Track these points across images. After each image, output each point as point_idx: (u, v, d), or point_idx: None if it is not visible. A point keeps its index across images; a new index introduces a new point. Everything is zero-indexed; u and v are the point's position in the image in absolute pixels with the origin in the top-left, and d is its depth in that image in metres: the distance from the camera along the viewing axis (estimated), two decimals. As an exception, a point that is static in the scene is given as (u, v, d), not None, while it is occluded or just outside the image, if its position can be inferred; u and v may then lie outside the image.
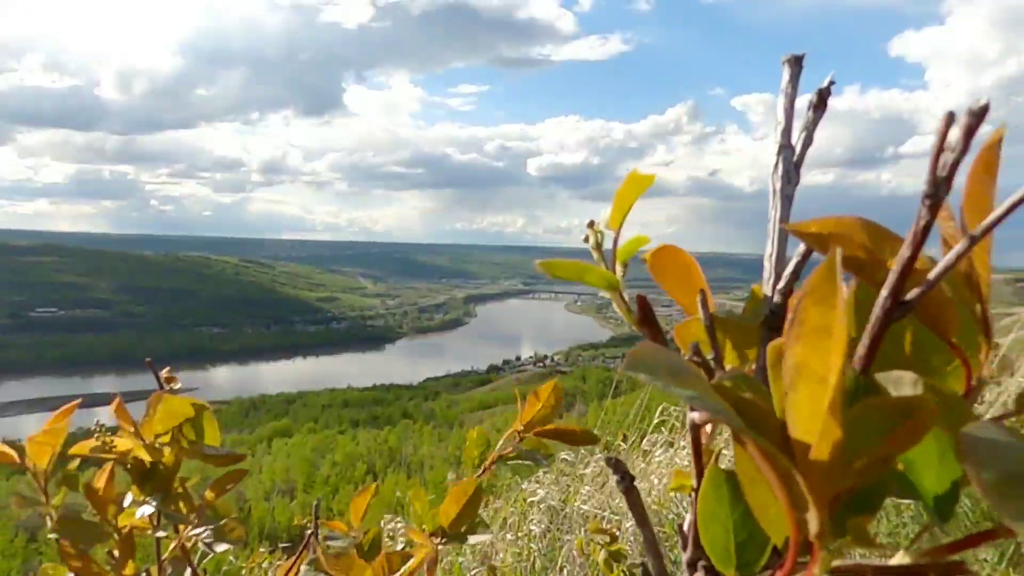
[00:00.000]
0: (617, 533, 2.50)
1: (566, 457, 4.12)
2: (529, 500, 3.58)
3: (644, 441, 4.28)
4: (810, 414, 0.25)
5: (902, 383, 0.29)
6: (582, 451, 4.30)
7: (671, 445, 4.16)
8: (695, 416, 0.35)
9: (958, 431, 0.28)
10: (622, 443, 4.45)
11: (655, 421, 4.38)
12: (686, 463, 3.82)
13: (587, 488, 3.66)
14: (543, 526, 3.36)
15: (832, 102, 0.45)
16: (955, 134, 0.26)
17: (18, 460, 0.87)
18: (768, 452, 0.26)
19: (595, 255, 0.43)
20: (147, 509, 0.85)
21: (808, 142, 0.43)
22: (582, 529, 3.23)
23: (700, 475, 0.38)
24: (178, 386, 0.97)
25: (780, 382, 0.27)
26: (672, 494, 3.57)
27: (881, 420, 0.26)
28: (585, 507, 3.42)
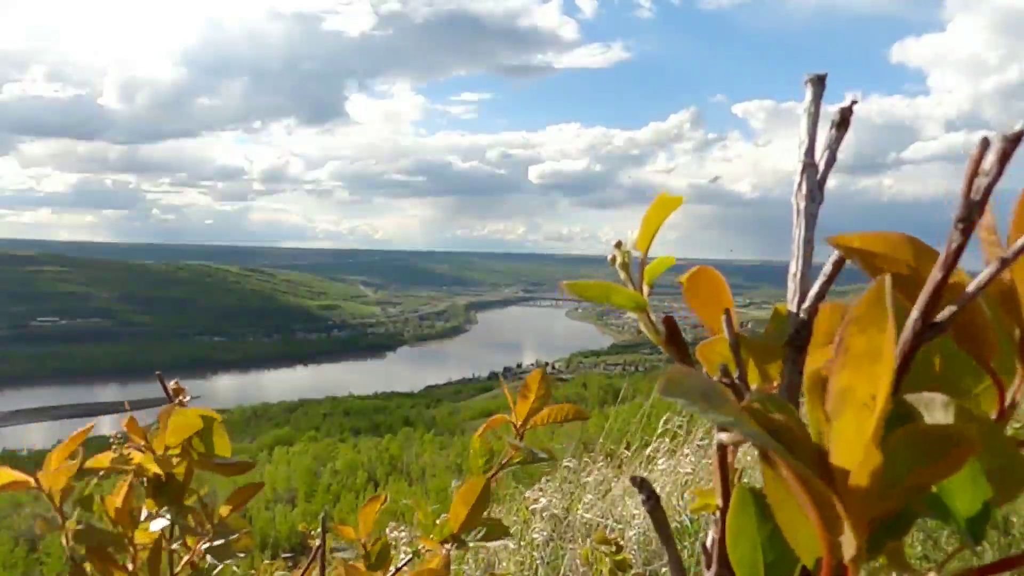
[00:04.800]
0: (621, 542, 2.48)
1: (568, 465, 4.12)
2: (531, 508, 3.56)
3: (647, 449, 4.28)
4: (855, 440, 0.25)
5: (934, 406, 0.29)
6: (584, 459, 4.30)
7: (673, 453, 4.16)
8: (723, 437, 0.35)
9: (993, 455, 0.28)
10: (625, 451, 4.44)
11: (659, 429, 4.37)
12: (688, 471, 3.82)
13: (590, 496, 3.65)
14: (546, 534, 3.34)
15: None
16: (990, 158, 0.26)
17: (35, 485, 0.87)
18: (804, 476, 0.26)
19: (622, 275, 0.43)
20: (161, 522, 0.85)
21: (831, 161, 0.43)
22: (584, 538, 3.22)
23: (726, 494, 0.38)
24: (187, 399, 0.97)
25: (817, 406, 0.27)
26: (674, 502, 3.56)
27: (922, 448, 0.26)
28: (588, 515, 3.41)
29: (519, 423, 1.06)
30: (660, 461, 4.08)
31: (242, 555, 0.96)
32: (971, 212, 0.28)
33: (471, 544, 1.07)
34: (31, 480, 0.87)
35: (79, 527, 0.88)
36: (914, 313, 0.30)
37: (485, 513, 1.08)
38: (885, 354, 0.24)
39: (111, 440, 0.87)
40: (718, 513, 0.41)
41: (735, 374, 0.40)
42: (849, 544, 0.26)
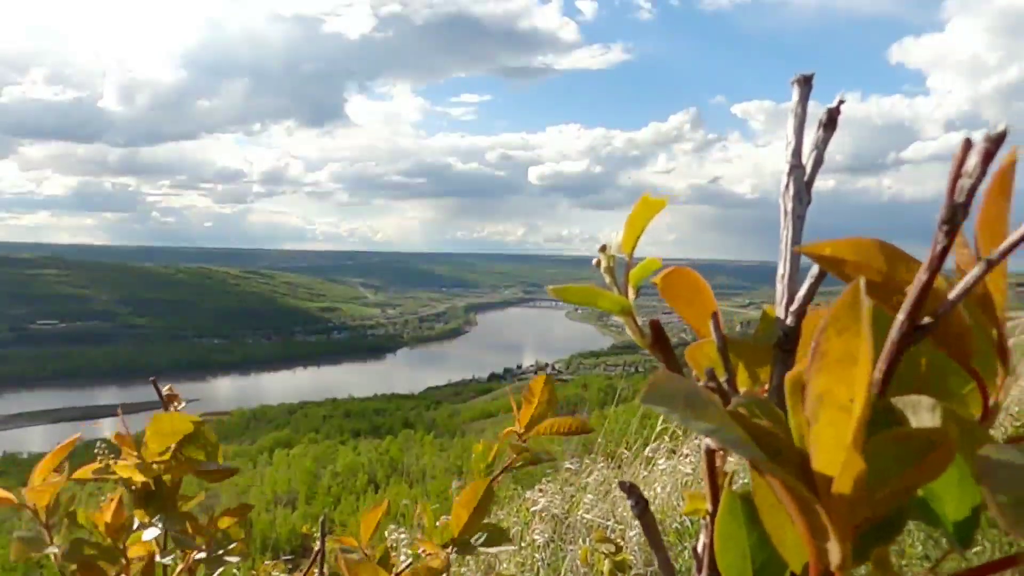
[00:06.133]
0: (621, 543, 2.48)
1: (569, 466, 4.11)
2: (532, 509, 3.56)
3: (647, 449, 4.27)
4: (834, 445, 0.25)
5: (920, 409, 0.29)
6: (585, 460, 4.30)
7: (673, 452, 4.16)
8: (711, 441, 0.35)
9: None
10: (625, 451, 4.44)
11: (658, 429, 4.37)
12: (689, 471, 3.82)
13: (590, 497, 3.65)
14: (546, 536, 3.34)
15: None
16: (972, 160, 0.26)
17: (16, 502, 0.85)
18: (788, 483, 0.25)
19: (607, 279, 0.42)
20: (153, 532, 0.84)
21: (819, 161, 0.43)
22: (585, 539, 3.21)
23: (715, 499, 0.37)
24: (182, 406, 0.96)
25: (799, 410, 0.26)
26: (675, 503, 3.56)
27: (903, 452, 0.25)
28: (588, 516, 3.41)
29: (522, 429, 1.05)
30: (660, 461, 4.08)
31: (236, 559, 0.96)
32: (955, 214, 0.27)
33: (470, 548, 1.07)
34: (13, 498, 0.86)
35: (66, 546, 0.86)
36: (900, 315, 0.30)
37: (487, 517, 1.08)
38: (862, 357, 0.24)
39: (96, 451, 0.86)
40: (708, 518, 0.40)
41: (723, 377, 0.40)
42: (834, 552, 0.25)
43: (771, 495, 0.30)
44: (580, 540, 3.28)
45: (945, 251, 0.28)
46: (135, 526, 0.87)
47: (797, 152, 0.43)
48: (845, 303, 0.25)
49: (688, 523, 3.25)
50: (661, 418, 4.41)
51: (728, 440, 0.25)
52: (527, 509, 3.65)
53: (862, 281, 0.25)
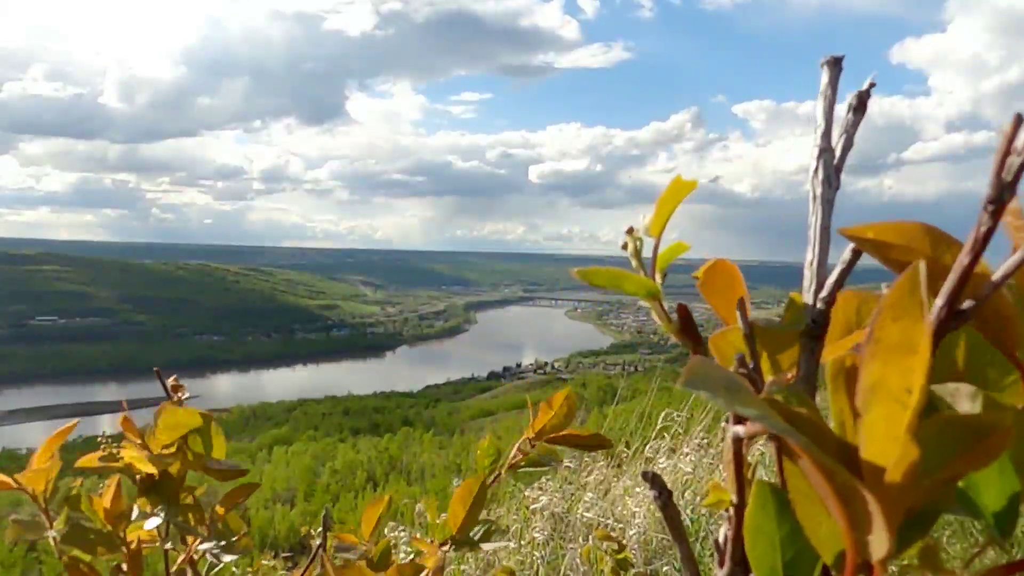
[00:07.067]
0: (624, 541, 2.46)
1: (569, 464, 4.10)
2: (531, 507, 3.56)
3: (647, 448, 4.27)
4: (887, 434, 0.23)
5: (960, 397, 0.28)
6: (585, 458, 4.29)
7: (673, 451, 4.15)
8: (739, 430, 0.34)
9: (1021, 447, 0.27)
10: (625, 450, 4.44)
11: (658, 427, 4.36)
12: (689, 470, 3.81)
13: (590, 495, 3.64)
14: (546, 534, 3.33)
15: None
16: (1023, 137, 0.25)
17: (15, 486, 0.85)
18: (832, 471, 0.24)
19: (634, 263, 0.41)
20: (155, 521, 0.83)
21: (848, 145, 0.42)
22: (585, 537, 3.21)
23: (741, 490, 0.36)
24: (186, 396, 0.96)
25: (841, 396, 0.25)
26: (675, 500, 3.55)
27: (955, 439, 0.24)
28: (588, 515, 3.40)
29: (533, 436, 1.04)
30: (660, 460, 4.08)
31: (241, 555, 0.95)
32: (1002, 193, 0.26)
33: (467, 545, 1.06)
34: (12, 481, 0.85)
35: (65, 529, 0.85)
36: (939, 301, 0.29)
37: (483, 514, 1.07)
38: (920, 346, 0.23)
39: (99, 440, 0.85)
40: (731, 510, 0.39)
41: (750, 364, 0.39)
42: (880, 543, 0.24)
43: (804, 485, 0.29)
44: (580, 538, 3.28)
45: (990, 232, 0.27)
46: (135, 515, 0.87)
47: (827, 134, 0.42)
48: (903, 289, 0.24)
49: (688, 522, 3.24)
50: (661, 417, 4.41)
51: (774, 427, 0.24)
52: (527, 507, 3.65)
53: (922, 265, 0.23)
